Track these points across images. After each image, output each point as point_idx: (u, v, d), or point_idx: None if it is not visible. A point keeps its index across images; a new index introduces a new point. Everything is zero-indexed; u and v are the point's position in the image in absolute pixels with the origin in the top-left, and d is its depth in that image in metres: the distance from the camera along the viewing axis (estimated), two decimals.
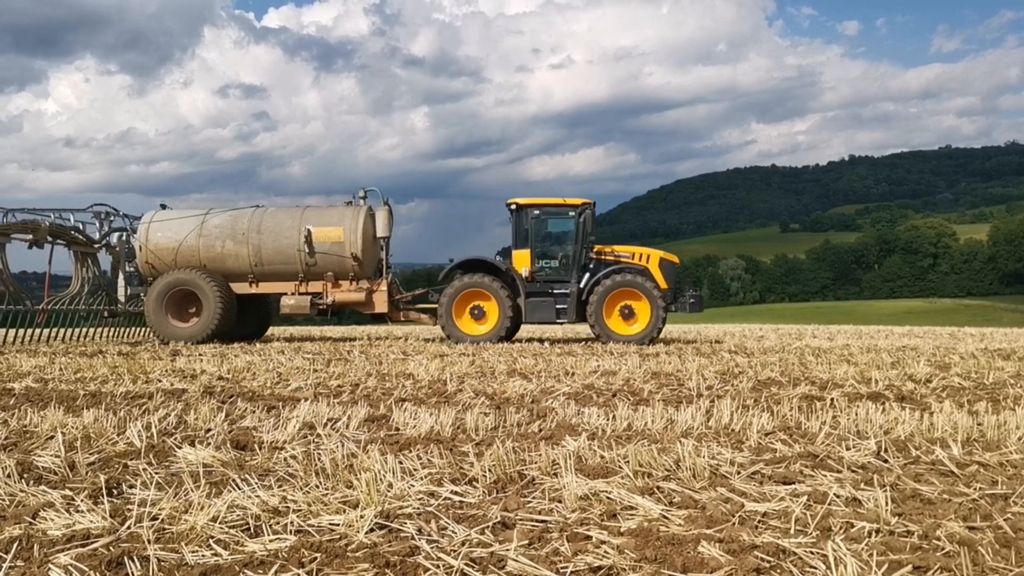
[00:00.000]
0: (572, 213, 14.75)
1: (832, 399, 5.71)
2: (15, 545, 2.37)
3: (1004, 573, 2.19)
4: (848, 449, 3.78)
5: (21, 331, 15.13)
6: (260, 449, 3.87)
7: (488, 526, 2.58)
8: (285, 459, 3.56)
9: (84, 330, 17.00)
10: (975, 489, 3.02)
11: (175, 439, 4.06)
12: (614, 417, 4.66)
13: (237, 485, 3.02)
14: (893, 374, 7.65)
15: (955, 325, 36.69)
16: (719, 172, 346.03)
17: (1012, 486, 3.07)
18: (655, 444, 3.81)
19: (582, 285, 14.51)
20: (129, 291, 16.22)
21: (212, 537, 2.45)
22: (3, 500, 2.90)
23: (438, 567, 2.21)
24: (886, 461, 3.56)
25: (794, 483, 3.13)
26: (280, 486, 3.06)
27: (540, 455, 3.48)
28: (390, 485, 3.00)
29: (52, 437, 4.04)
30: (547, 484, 3.08)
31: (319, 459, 3.47)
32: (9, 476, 3.18)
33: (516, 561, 2.23)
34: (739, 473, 3.29)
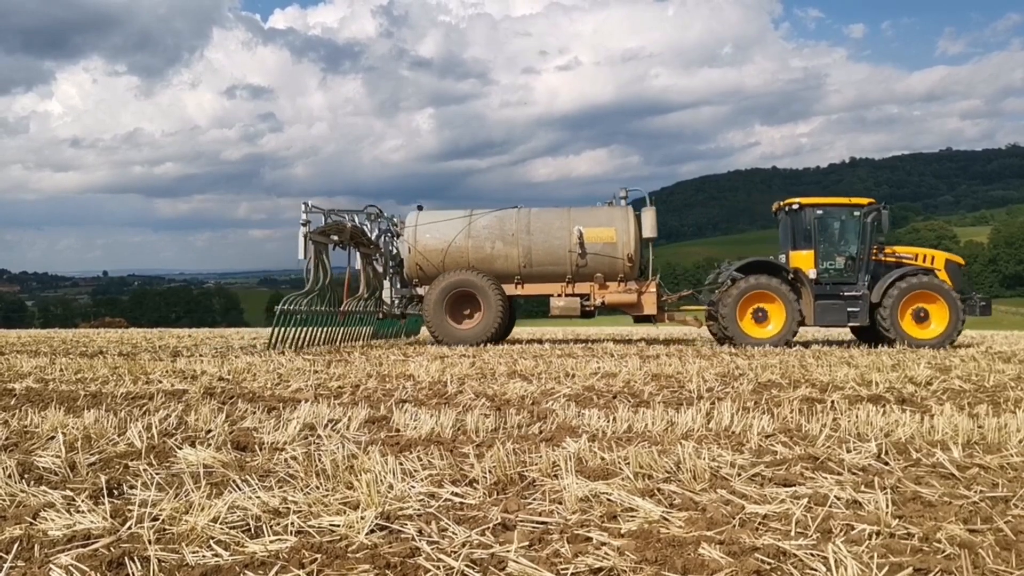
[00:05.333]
0: (858, 213, 14.29)
1: (832, 401, 5.71)
2: (16, 545, 2.37)
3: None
4: (848, 451, 3.77)
5: (329, 331, 15.21)
6: (261, 450, 3.88)
7: (489, 527, 2.58)
8: (285, 460, 3.56)
9: (367, 330, 17.03)
10: (976, 492, 3.02)
11: (176, 440, 4.07)
12: (614, 419, 4.66)
13: (238, 486, 3.02)
14: (893, 376, 7.65)
15: None
16: (719, 174, 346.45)
17: (1013, 489, 3.07)
18: (655, 446, 3.81)
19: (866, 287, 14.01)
20: (394, 293, 16.05)
21: (213, 538, 2.45)
22: (4, 500, 2.90)
23: (438, 568, 2.21)
24: (887, 463, 3.55)
25: (795, 485, 3.13)
26: (281, 487, 3.06)
27: (540, 457, 3.48)
28: (391, 486, 3.00)
29: (53, 438, 4.04)
30: (548, 486, 3.08)
31: (319, 460, 3.47)
32: (10, 476, 3.18)
33: (516, 562, 2.23)
34: (739, 475, 3.29)
